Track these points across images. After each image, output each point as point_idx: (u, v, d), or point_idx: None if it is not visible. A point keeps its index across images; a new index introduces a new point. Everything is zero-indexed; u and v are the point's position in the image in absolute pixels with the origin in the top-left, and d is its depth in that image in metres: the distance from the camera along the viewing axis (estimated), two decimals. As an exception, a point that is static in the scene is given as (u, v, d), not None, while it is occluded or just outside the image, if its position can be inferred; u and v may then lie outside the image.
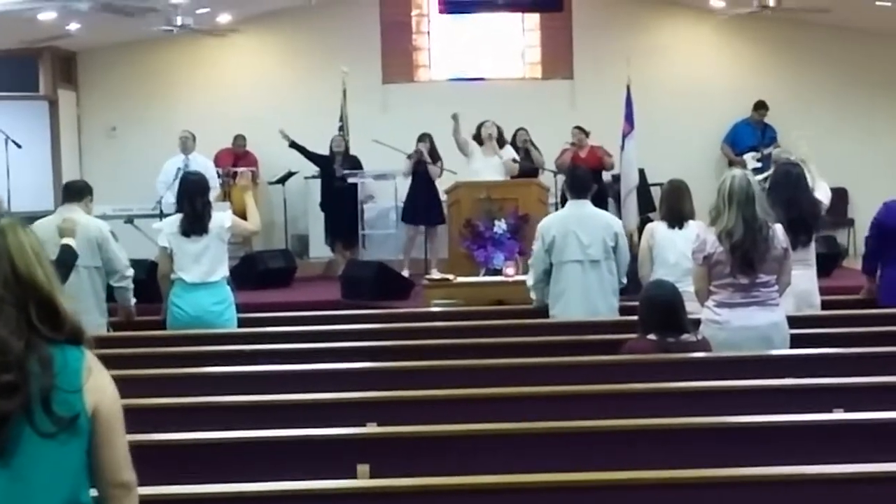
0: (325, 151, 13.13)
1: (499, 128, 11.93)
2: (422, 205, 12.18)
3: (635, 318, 5.73)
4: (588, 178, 7.69)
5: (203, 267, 7.33)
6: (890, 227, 7.57)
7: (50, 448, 2.50)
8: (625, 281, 7.59)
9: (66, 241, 6.99)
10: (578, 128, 12.93)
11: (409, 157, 12.29)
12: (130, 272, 7.58)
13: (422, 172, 12.28)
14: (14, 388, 2.46)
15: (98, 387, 2.59)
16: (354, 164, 13.00)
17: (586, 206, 7.52)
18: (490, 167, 11.63)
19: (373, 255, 12.65)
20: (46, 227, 6.94)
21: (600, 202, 12.20)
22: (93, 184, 7.93)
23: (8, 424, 2.47)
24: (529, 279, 7.70)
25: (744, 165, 12.36)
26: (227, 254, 7.58)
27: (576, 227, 7.39)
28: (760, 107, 14.27)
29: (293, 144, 12.87)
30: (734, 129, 14.44)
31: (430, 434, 4.17)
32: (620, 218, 13.50)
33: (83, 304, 6.87)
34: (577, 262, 7.37)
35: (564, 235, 7.38)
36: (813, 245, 7.25)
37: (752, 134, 14.25)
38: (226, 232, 7.46)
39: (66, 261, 6.78)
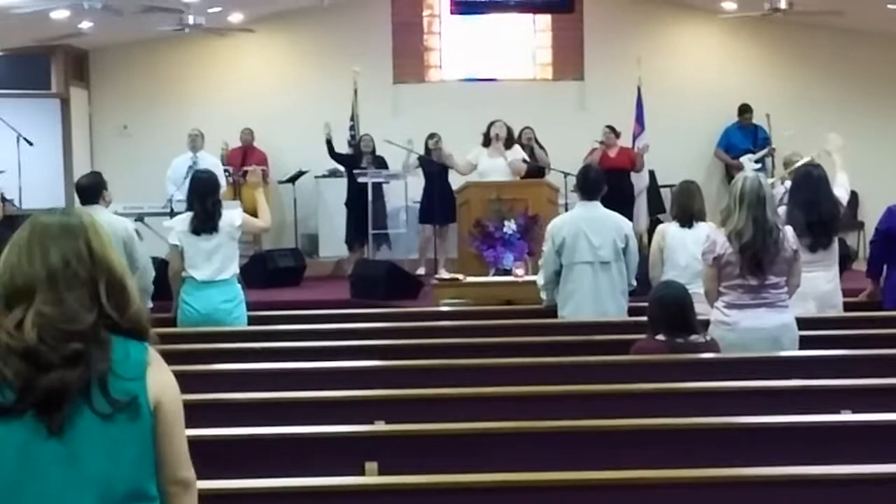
0: (341, 151, 13.16)
1: (509, 128, 11.88)
2: (437, 204, 12.16)
3: (644, 318, 5.73)
4: (600, 180, 7.58)
5: (214, 265, 7.36)
6: (894, 231, 7.58)
7: (108, 432, 2.49)
8: (635, 283, 7.56)
9: None
10: (609, 127, 12.80)
11: (415, 155, 12.35)
12: (152, 273, 7.58)
13: (436, 172, 12.29)
14: (80, 358, 2.47)
15: (160, 381, 2.60)
16: (381, 164, 12.99)
17: (597, 207, 7.47)
18: (497, 168, 11.58)
19: (384, 255, 12.67)
20: None
21: (628, 203, 12.17)
22: (104, 182, 7.89)
23: (66, 400, 2.46)
24: (540, 279, 7.68)
25: (741, 169, 12.28)
26: (237, 252, 7.60)
27: (586, 228, 7.35)
28: (746, 111, 14.19)
29: (329, 140, 12.88)
30: (725, 134, 14.33)
31: (438, 432, 4.18)
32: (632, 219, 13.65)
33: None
34: (588, 263, 7.33)
35: (575, 237, 7.36)
36: (835, 246, 7.24)
37: (744, 137, 14.18)
38: (236, 230, 7.49)
39: None
